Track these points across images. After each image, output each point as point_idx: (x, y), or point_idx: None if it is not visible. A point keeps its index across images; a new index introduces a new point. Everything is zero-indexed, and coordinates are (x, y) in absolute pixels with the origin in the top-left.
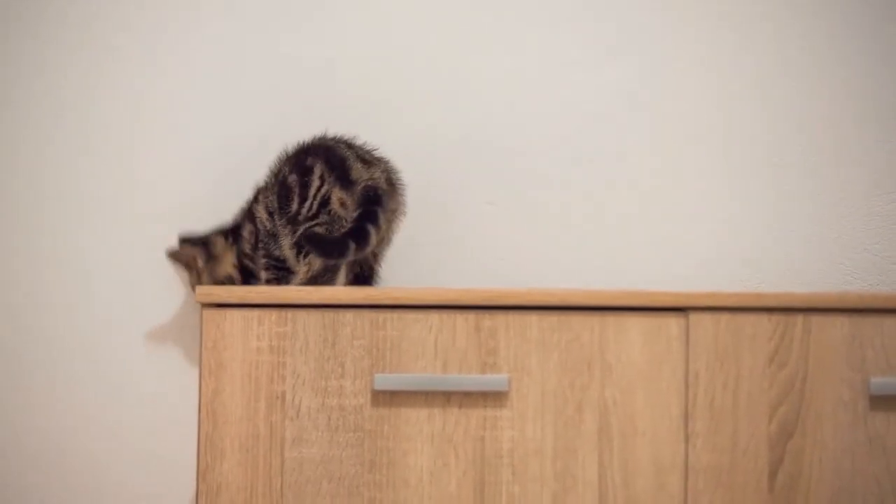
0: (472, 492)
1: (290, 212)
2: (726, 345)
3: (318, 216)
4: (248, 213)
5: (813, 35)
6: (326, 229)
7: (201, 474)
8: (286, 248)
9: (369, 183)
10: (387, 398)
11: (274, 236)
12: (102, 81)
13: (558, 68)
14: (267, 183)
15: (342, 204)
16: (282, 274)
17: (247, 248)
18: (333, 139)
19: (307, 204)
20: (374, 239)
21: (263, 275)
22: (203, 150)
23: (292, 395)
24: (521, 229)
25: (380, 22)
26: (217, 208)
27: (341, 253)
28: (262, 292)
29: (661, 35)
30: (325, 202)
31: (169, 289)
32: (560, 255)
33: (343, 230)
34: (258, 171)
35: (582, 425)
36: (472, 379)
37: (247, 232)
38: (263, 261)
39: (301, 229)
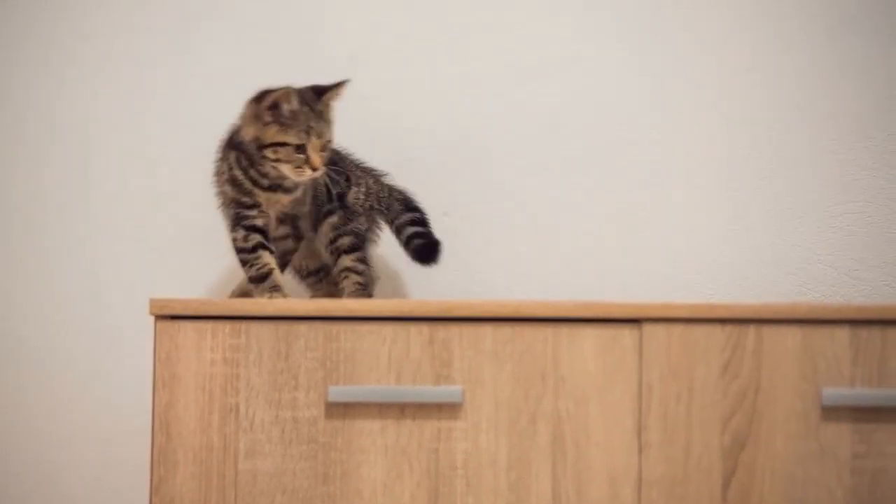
0: (425, 503)
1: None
2: (679, 356)
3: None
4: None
5: (768, 48)
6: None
7: (155, 487)
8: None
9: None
10: (340, 410)
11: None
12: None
13: (513, 77)
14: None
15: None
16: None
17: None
18: None
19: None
20: None
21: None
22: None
23: (246, 407)
24: (475, 241)
25: (327, 25)
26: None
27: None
28: (216, 304)
29: (623, 45)
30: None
31: (124, 298)
32: (514, 266)
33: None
34: None
35: (536, 437)
36: (426, 391)
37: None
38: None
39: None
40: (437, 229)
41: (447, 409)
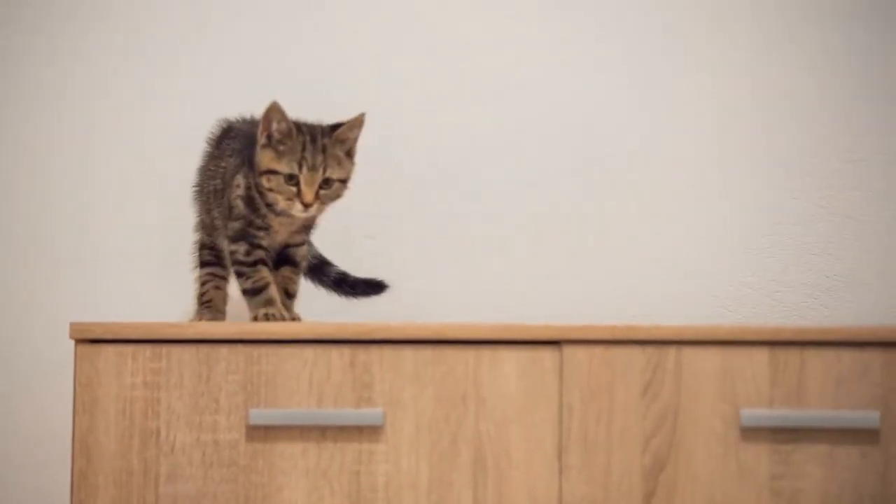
0: None
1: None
2: (600, 377)
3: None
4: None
5: (693, 70)
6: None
7: None
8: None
9: None
10: (261, 433)
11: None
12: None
13: (437, 102)
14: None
15: None
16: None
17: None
18: None
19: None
20: None
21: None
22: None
23: (167, 430)
24: (396, 263)
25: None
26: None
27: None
28: (137, 328)
29: (562, 70)
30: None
31: (44, 320)
32: (435, 288)
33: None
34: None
35: (457, 459)
36: (347, 413)
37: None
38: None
39: None
40: (361, 252)
41: (368, 431)
